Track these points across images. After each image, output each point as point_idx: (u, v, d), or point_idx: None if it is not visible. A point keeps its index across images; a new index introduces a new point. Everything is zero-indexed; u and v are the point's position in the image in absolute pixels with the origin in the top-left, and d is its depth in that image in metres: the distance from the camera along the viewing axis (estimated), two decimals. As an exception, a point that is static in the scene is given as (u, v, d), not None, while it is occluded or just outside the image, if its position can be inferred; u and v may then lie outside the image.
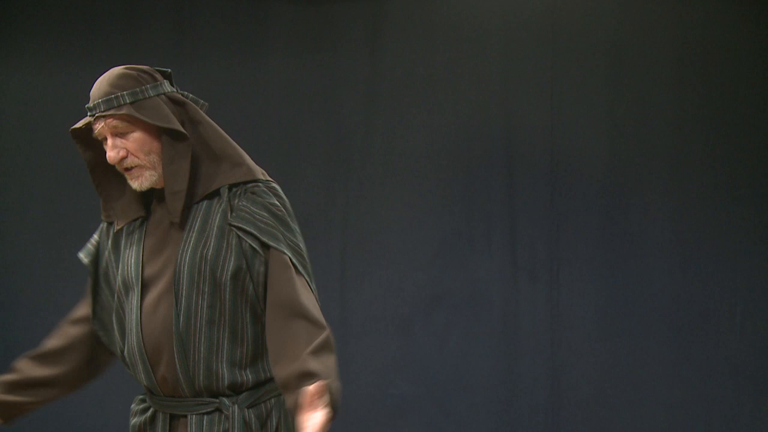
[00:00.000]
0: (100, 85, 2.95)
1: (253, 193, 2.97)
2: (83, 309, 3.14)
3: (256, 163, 3.03)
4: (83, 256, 3.12)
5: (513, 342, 5.45)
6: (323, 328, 2.84)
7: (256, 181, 2.99)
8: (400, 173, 5.50)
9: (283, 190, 2.99)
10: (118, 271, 3.04)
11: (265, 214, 2.95)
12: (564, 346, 5.42)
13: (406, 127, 5.50)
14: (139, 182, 2.96)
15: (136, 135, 2.94)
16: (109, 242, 3.08)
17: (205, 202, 2.98)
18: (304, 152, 5.51)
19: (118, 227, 3.05)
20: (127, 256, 3.02)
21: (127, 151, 2.94)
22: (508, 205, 5.46)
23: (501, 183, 5.47)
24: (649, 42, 5.43)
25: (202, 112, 3.03)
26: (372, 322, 5.45)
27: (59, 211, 5.67)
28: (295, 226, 2.99)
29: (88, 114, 2.96)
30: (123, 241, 3.05)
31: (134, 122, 2.94)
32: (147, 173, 2.96)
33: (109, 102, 2.92)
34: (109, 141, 2.94)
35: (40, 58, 5.74)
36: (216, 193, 2.98)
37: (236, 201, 2.96)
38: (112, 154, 2.93)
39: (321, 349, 2.79)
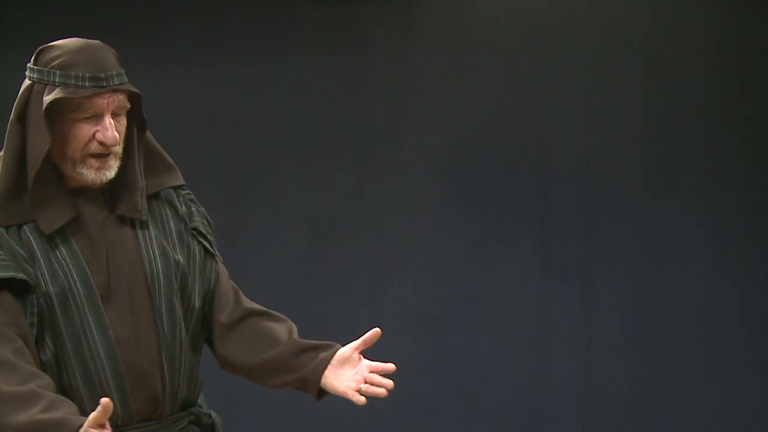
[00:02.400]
0: (104, 55, 2.57)
1: (191, 200, 2.78)
2: (28, 346, 2.52)
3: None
4: (19, 273, 2.52)
5: (544, 344, 5.42)
6: (287, 319, 2.79)
7: (184, 186, 2.79)
8: (430, 174, 5.48)
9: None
10: (41, 282, 2.53)
11: (206, 222, 2.77)
12: (595, 349, 5.39)
13: (436, 127, 5.48)
14: (105, 173, 2.57)
15: (124, 119, 2.61)
16: (23, 251, 2.56)
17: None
18: (334, 153, 5.50)
19: (49, 231, 2.54)
20: (55, 263, 2.55)
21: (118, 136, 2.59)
22: (540, 206, 5.43)
23: (532, 183, 5.44)
24: (684, 42, 5.39)
25: None
26: (402, 322, 5.43)
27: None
28: None
29: (91, 84, 2.53)
30: (38, 247, 2.56)
31: (127, 105, 2.61)
32: (114, 164, 2.59)
33: (123, 76, 2.57)
34: (108, 120, 2.55)
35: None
36: (157, 195, 2.70)
37: (182, 207, 2.74)
38: (113, 135, 2.54)
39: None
